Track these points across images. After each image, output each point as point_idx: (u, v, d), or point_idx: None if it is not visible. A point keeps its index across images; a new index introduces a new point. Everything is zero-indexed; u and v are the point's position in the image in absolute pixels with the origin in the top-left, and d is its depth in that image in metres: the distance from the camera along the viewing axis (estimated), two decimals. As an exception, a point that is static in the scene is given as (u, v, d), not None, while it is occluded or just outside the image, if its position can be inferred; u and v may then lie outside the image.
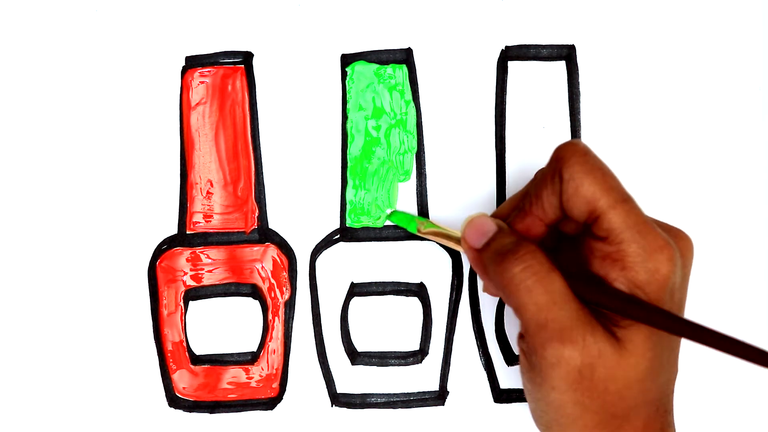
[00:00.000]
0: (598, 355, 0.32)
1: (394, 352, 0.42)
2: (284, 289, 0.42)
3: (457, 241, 0.38)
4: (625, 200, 0.32)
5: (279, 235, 0.42)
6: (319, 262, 0.42)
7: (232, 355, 0.42)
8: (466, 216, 0.42)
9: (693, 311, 0.42)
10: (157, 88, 0.42)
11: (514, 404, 0.42)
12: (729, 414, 0.42)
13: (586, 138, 0.42)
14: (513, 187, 0.42)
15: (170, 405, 0.42)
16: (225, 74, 0.42)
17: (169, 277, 0.42)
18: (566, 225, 0.35)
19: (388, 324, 0.42)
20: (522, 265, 0.32)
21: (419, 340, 0.42)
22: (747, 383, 0.42)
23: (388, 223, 0.42)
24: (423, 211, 0.42)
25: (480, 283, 0.42)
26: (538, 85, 0.42)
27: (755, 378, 0.42)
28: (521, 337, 0.34)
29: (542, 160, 0.42)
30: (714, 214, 0.42)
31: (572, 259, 0.35)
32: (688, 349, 0.42)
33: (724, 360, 0.42)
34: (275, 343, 0.42)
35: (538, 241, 0.35)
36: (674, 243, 0.32)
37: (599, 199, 0.32)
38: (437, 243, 0.41)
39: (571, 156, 0.33)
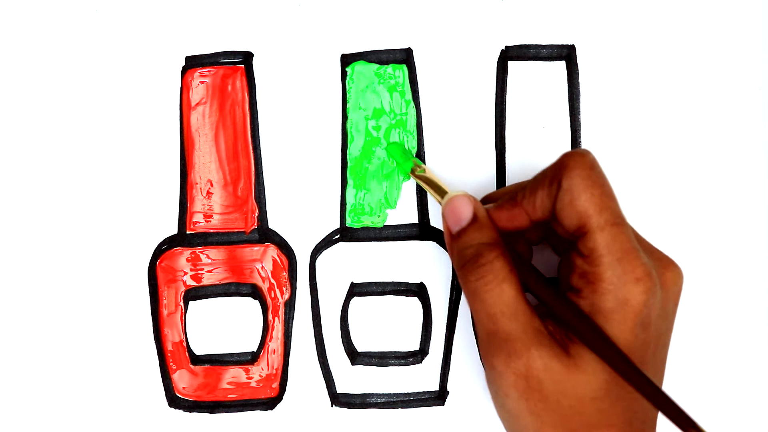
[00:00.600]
0: (543, 368, 0.32)
1: (394, 352, 0.42)
2: (284, 289, 0.42)
3: (442, 196, 0.38)
4: (615, 224, 0.32)
5: (279, 235, 0.42)
6: (319, 262, 0.42)
7: (232, 355, 0.42)
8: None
9: (693, 311, 0.42)
10: (157, 88, 0.42)
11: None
12: (729, 414, 0.42)
13: (586, 138, 0.42)
14: (513, 187, 0.42)
15: (170, 405, 0.42)
16: (225, 74, 0.42)
17: (169, 277, 0.42)
18: (557, 226, 0.35)
19: (388, 324, 0.42)
20: (477, 276, 0.33)
21: (419, 340, 0.42)
22: (748, 384, 0.42)
23: (388, 223, 0.42)
24: (423, 211, 0.42)
25: None
26: (538, 85, 0.42)
27: (756, 379, 0.42)
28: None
29: (542, 160, 0.42)
30: (714, 214, 0.42)
31: (560, 257, 0.35)
32: (688, 350, 0.42)
33: (724, 362, 0.42)
34: (275, 343, 0.42)
35: (521, 231, 0.35)
36: (658, 274, 0.32)
37: (591, 217, 0.32)
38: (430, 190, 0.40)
39: (575, 167, 0.32)
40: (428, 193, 0.39)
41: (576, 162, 0.33)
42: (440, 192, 0.38)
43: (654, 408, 0.33)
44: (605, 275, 0.32)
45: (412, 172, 0.40)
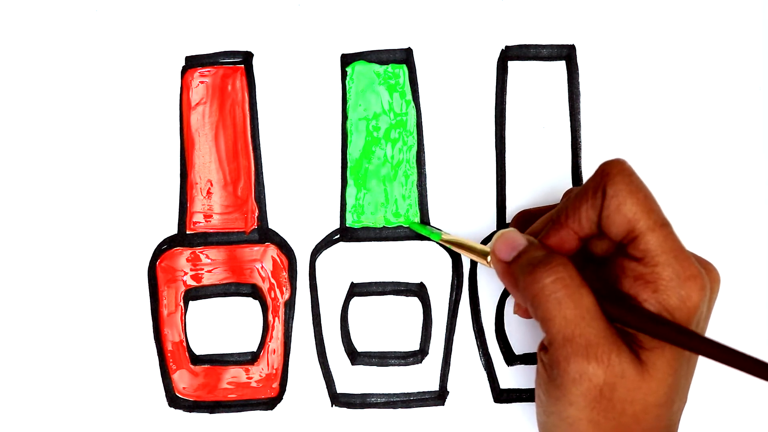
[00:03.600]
0: (621, 375, 0.32)
1: (394, 352, 0.42)
2: (284, 289, 0.42)
3: (482, 254, 0.38)
4: (663, 224, 0.32)
5: (279, 235, 0.42)
6: (319, 262, 0.42)
7: (232, 355, 0.42)
8: (467, 217, 0.42)
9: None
10: (157, 88, 0.42)
11: (514, 404, 0.42)
12: (729, 414, 0.42)
13: (586, 138, 0.42)
14: (513, 187, 0.42)
15: (170, 405, 0.42)
16: (225, 74, 0.42)
17: (169, 277, 0.42)
18: (595, 245, 0.35)
19: (388, 324, 0.42)
20: (553, 276, 0.33)
21: (419, 340, 0.42)
22: (748, 383, 0.42)
23: (388, 223, 0.42)
24: (423, 211, 0.42)
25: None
26: (538, 85, 0.42)
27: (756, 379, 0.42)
28: (543, 349, 0.34)
29: (542, 160, 0.42)
30: (714, 213, 0.42)
31: (599, 278, 0.35)
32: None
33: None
34: (275, 343, 0.42)
35: (569, 256, 0.35)
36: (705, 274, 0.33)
37: (639, 220, 0.32)
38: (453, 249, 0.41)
39: (617, 174, 0.33)
40: (462, 253, 0.40)
41: (617, 169, 0.33)
42: (475, 251, 0.38)
43: (682, 410, 0.34)
44: (664, 274, 0.32)
45: (443, 239, 0.40)
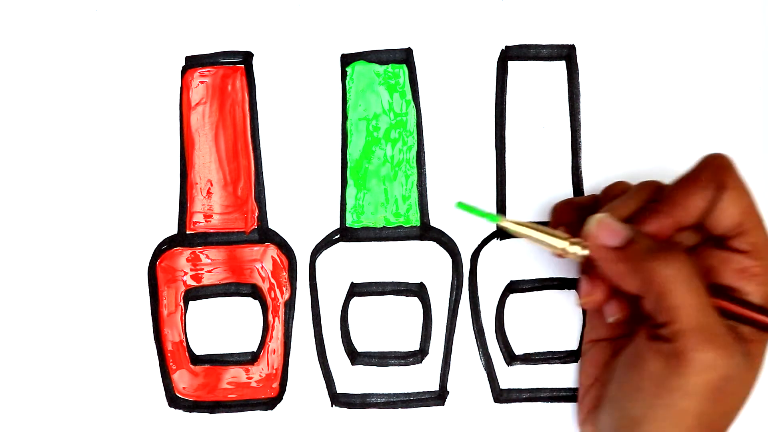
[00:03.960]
0: (737, 366, 0.32)
1: (394, 352, 0.42)
2: (284, 289, 0.42)
3: (556, 241, 0.35)
4: (763, 221, 0.34)
5: (279, 235, 0.42)
6: (319, 262, 0.42)
7: (232, 355, 0.42)
8: (467, 217, 0.42)
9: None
10: (157, 88, 0.42)
11: (514, 404, 0.42)
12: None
13: (586, 138, 0.42)
14: (513, 187, 0.42)
15: (170, 405, 0.42)
16: (225, 74, 0.42)
17: (169, 277, 0.42)
18: (679, 236, 0.35)
19: (388, 324, 0.42)
20: (679, 265, 0.32)
21: (419, 340, 0.42)
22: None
23: (388, 223, 0.42)
24: (423, 211, 0.42)
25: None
26: (538, 85, 0.42)
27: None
28: (654, 336, 0.33)
29: (542, 160, 0.42)
30: (714, 214, 0.42)
31: None
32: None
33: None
34: (275, 343, 0.42)
35: None
36: None
37: (751, 214, 0.34)
38: (520, 236, 0.37)
39: (733, 169, 0.34)
40: (527, 239, 0.36)
41: (731, 164, 0.34)
42: (556, 235, 0.36)
43: None
44: None
45: (502, 225, 0.37)
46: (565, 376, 0.42)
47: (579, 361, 0.41)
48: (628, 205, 0.36)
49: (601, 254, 0.35)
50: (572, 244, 0.35)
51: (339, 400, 0.42)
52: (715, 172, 0.34)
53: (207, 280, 0.42)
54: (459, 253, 0.42)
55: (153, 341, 0.42)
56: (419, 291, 0.42)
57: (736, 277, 0.34)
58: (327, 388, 0.42)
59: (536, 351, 0.42)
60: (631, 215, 0.35)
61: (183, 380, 0.42)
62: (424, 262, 0.42)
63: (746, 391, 0.33)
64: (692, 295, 0.32)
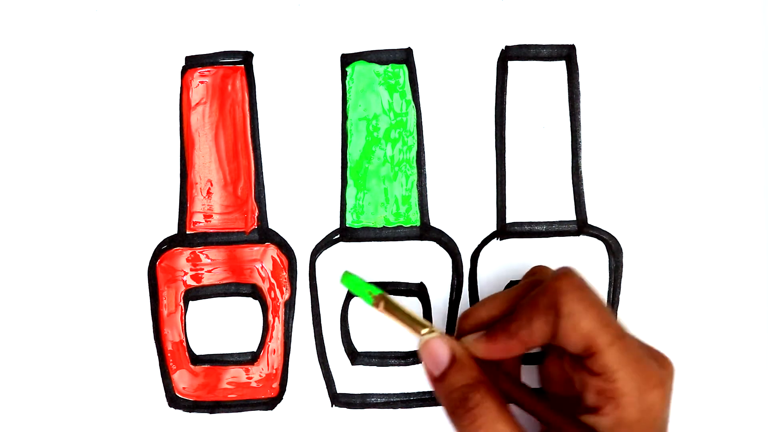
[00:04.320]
0: None
1: (394, 352, 0.42)
2: (284, 289, 0.42)
3: (414, 329, 0.36)
4: (621, 336, 0.32)
5: (279, 235, 0.42)
6: (319, 262, 0.42)
7: (232, 355, 0.42)
8: (467, 217, 0.42)
9: (693, 311, 0.42)
10: (157, 88, 0.42)
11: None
12: (729, 414, 0.42)
13: (586, 138, 0.42)
14: (513, 187, 0.42)
15: (170, 405, 0.42)
16: (225, 74, 0.42)
17: (169, 277, 0.42)
18: (556, 348, 0.35)
19: (388, 324, 0.42)
20: (469, 420, 0.33)
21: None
22: (748, 384, 0.42)
23: (388, 223, 0.42)
24: (423, 211, 0.42)
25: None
26: (538, 85, 0.42)
27: (756, 379, 0.42)
28: None
29: (542, 160, 0.42)
30: (714, 213, 0.42)
31: (555, 371, 0.36)
32: (689, 350, 0.42)
33: (725, 360, 0.42)
34: (275, 343, 0.42)
35: (516, 358, 0.36)
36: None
37: (597, 336, 0.32)
38: (395, 319, 0.37)
39: (569, 290, 0.33)
40: (400, 324, 0.37)
41: (568, 285, 0.33)
42: (413, 323, 0.36)
43: None
44: (625, 389, 0.32)
45: (376, 305, 0.37)
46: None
47: None
48: (488, 308, 0.36)
49: (426, 375, 0.36)
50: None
51: (339, 400, 0.42)
52: (551, 298, 0.33)
53: (207, 280, 0.42)
54: (459, 253, 0.42)
55: (153, 341, 0.42)
56: (419, 291, 0.42)
57: (596, 399, 0.32)
58: (327, 388, 0.42)
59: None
60: (485, 324, 0.36)
61: (183, 380, 0.42)
62: (424, 262, 0.42)
63: None
64: None
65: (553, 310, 0.33)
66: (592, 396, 0.33)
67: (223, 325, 0.42)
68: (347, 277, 0.37)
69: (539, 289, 0.34)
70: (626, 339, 0.32)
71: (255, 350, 0.42)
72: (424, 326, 0.36)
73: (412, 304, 0.42)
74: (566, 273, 0.33)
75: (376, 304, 0.37)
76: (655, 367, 0.32)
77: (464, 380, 0.34)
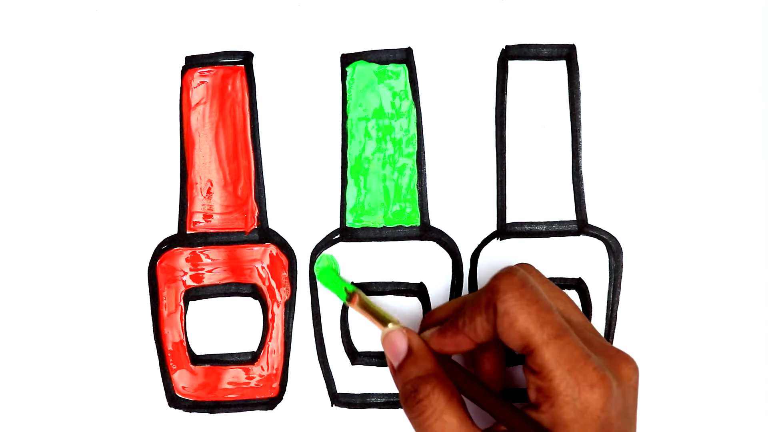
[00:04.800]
0: None
1: (394, 352, 0.42)
2: (284, 289, 0.42)
3: (383, 323, 0.38)
4: (558, 335, 0.33)
5: (279, 235, 0.42)
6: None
7: (232, 355, 0.42)
8: (467, 217, 0.42)
9: (693, 311, 0.42)
10: (157, 88, 0.42)
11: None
12: (729, 414, 0.42)
13: (586, 138, 0.42)
14: (513, 187, 0.42)
15: (170, 405, 0.42)
16: (225, 74, 0.42)
17: (169, 277, 0.42)
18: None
19: (388, 324, 0.42)
20: (417, 412, 0.34)
21: (419, 340, 0.42)
22: (748, 384, 0.42)
23: (388, 223, 0.42)
24: (423, 211, 0.42)
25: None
26: (538, 85, 0.42)
27: (756, 379, 0.42)
28: None
29: (542, 160, 0.42)
30: (714, 213, 0.42)
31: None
32: (688, 351, 0.42)
33: (725, 360, 0.42)
34: (275, 343, 0.42)
35: (497, 360, 0.37)
36: (613, 373, 0.33)
37: (533, 335, 0.33)
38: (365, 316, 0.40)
39: (507, 289, 0.33)
40: (369, 320, 0.39)
41: (507, 284, 0.34)
42: (380, 319, 0.39)
43: None
44: (560, 388, 0.32)
45: (350, 301, 0.40)
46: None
47: None
48: (440, 312, 0.38)
49: (389, 367, 0.38)
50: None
51: (339, 400, 0.42)
52: (490, 296, 0.34)
53: (207, 280, 0.42)
54: (459, 253, 0.42)
55: (153, 341, 0.42)
56: (419, 291, 0.42)
57: (536, 396, 0.33)
58: (327, 388, 0.42)
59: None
60: (442, 321, 0.37)
61: (183, 380, 0.42)
62: (424, 262, 0.42)
63: None
64: None
65: (492, 308, 0.34)
66: (533, 393, 0.33)
67: (223, 325, 0.42)
68: (323, 271, 0.41)
69: (483, 287, 0.35)
70: (565, 338, 0.33)
71: (255, 350, 0.42)
72: (391, 321, 0.38)
73: (412, 304, 0.42)
74: (507, 272, 0.34)
75: (349, 300, 0.40)
76: (599, 365, 0.32)
77: (417, 372, 0.36)
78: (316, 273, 0.41)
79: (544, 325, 0.33)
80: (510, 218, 0.42)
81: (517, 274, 0.34)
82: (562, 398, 0.32)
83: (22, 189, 0.42)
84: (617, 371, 0.33)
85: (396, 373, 0.37)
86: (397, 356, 0.37)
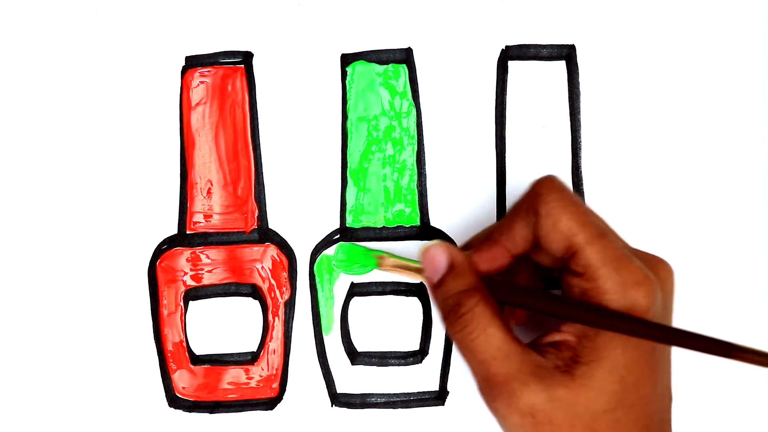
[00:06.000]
0: (549, 399, 0.32)
1: (394, 352, 0.42)
2: (284, 289, 0.42)
3: (419, 271, 0.38)
4: (602, 235, 0.32)
5: (279, 235, 0.42)
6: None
7: (232, 355, 0.42)
8: (467, 217, 0.42)
9: (694, 310, 0.42)
10: (157, 88, 0.42)
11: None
12: (729, 414, 0.42)
13: (586, 138, 0.42)
14: (513, 187, 0.42)
15: (170, 405, 0.42)
16: (225, 74, 0.42)
17: (169, 277, 0.42)
18: (541, 257, 0.35)
19: (388, 324, 0.42)
20: (460, 326, 0.33)
21: (419, 340, 0.42)
22: (748, 384, 0.42)
23: (387, 223, 0.42)
24: (423, 211, 0.42)
25: None
26: (538, 85, 0.42)
27: (755, 379, 0.42)
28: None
29: (542, 160, 0.42)
30: (714, 214, 0.42)
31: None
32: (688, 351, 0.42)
33: (724, 360, 0.42)
34: (275, 343, 0.42)
35: (504, 270, 0.36)
36: (654, 274, 0.32)
37: (576, 235, 0.32)
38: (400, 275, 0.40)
39: (548, 192, 0.33)
40: (404, 274, 0.39)
41: (547, 187, 0.33)
42: (412, 269, 0.38)
43: (667, 409, 0.34)
44: (606, 286, 0.32)
45: (381, 265, 0.39)
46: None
47: None
48: (482, 233, 0.38)
49: (428, 286, 0.37)
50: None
51: (339, 400, 0.42)
52: (530, 201, 0.33)
53: (207, 280, 0.42)
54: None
55: (153, 341, 0.42)
56: (419, 291, 0.42)
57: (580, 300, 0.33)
58: (327, 388, 0.42)
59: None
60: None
61: (183, 380, 0.42)
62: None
63: (592, 407, 0.32)
64: (477, 351, 0.33)
65: (533, 211, 0.33)
66: (576, 297, 0.33)
67: (223, 325, 0.42)
68: (348, 248, 0.40)
69: (521, 196, 0.34)
70: (607, 237, 0.32)
71: (255, 350, 0.42)
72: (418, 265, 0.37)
73: (412, 304, 0.42)
74: (546, 178, 0.34)
75: (380, 264, 0.39)
76: (640, 265, 0.32)
77: (459, 286, 0.35)
78: (342, 249, 0.41)
79: (586, 224, 0.32)
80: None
81: (557, 179, 0.34)
82: (609, 297, 0.32)
83: (22, 189, 0.42)
84: (656, 273, 0.33)
85: (435, 289, 0.36)
86: (437, 271, 0.35)
